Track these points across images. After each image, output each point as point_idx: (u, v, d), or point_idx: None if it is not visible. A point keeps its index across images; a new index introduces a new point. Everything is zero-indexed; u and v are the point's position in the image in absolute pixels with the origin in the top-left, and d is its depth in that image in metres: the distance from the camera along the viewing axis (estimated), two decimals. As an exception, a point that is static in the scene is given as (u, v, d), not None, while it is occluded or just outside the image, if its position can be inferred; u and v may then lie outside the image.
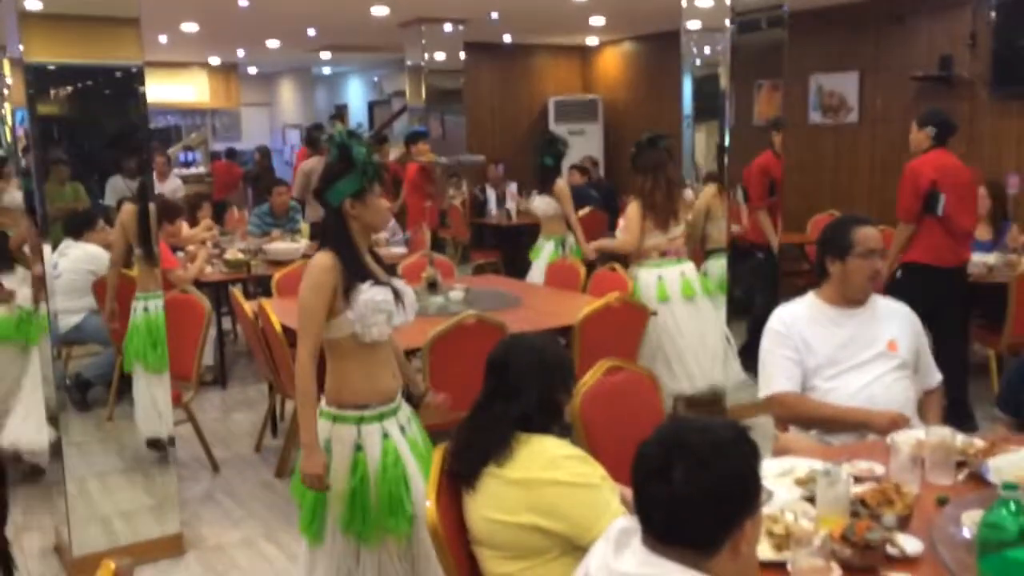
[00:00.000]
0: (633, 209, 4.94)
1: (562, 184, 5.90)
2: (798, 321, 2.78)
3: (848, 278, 2.73)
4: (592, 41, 10.63)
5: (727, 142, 5.06)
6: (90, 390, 4.76)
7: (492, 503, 1.97)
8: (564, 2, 7.33)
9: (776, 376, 2.75)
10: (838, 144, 8.10)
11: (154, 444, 3.90)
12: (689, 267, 4.98)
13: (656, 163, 4.97)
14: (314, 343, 2.48)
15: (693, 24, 5.28)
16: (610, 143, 10.62)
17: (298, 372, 2.49)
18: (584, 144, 10.26)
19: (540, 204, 5.89)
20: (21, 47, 3.35)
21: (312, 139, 8.82)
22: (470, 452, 2.01)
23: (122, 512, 3.70)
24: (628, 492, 1.99)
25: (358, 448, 2.52)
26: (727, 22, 4.95)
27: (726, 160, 5.10)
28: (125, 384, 4.63)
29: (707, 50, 5.26)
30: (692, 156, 5.54)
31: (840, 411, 2.65)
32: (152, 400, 3.91)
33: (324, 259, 2.47)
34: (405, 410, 2.69)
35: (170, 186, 8.29)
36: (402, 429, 2.63)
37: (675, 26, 5.38)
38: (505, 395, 2.04)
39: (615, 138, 10.57)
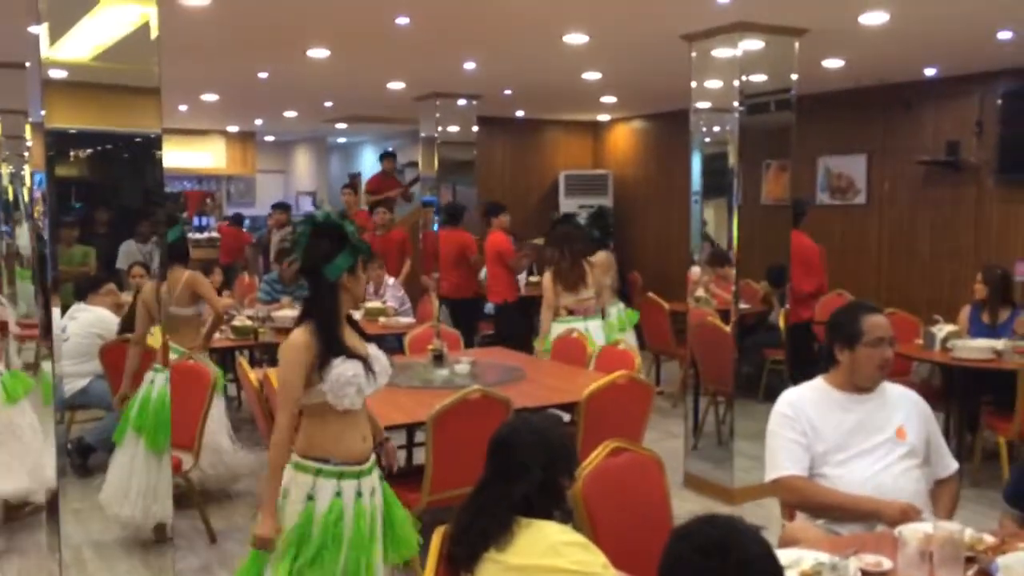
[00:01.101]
0: (546, 277, 5.98)
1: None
2: (806, 405, 2.76)
3: (857, 366, 2.72)
4: (603, 117, 10.82)
5: (735, 220, 5.11)
6: (91, 455, 4.73)
7: (491, 589, 1.93)
8: (577, 81, 7.49)
9: (782, 460, 2.72)
10: (846, 225, 8.14)
11: (160, 531, 3.85)
12: (595, 324, 5.89)
13: (564, 237, 6.07)
14: (292, 413, 2.63)
15: (702, 104, 5.37)
16: (619, 217, 10.71)
17: (275, 440, 2.61)
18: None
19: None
20: (43, 112, 3.42)
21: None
22: (469, 535, 1.98)
23: (116, 583, 3.64)
24: (631, 581, 1.96)
25: (309, 498, 2.61)
26: (736, 103, 5.03)
27: (735, 237, 5.13)
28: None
29: (716, 129, 5.33)
30: (701, 232, 5.57)
31: (850, 499, 2.61)
32: (135, 477, 3.87)
33: (301, 337, 2.62)
34: (372, 479, 2.74)
35: None
36: (359, 495, 2.67)
37: (684, 105, 5.47)
38: (507, 477, 2.01)
39: (625, 213, 10.66)
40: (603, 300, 6.41)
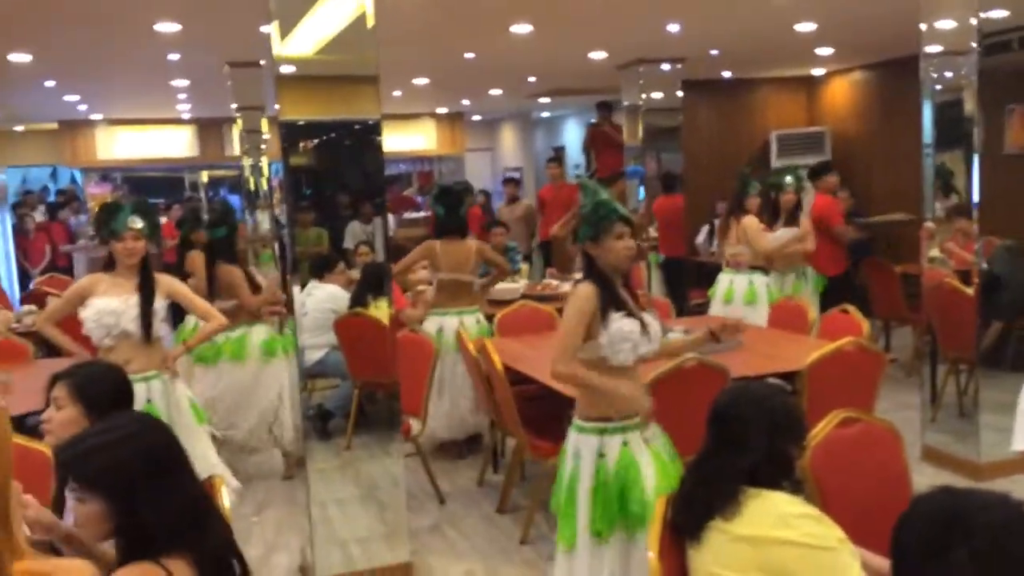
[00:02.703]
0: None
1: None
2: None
3: None
4: (818, 71, 10.20)
5: (976, 172, 4.66)
6: (330, 420, 5.12)
7: (718, 559, 1.90)
8: (789, 34, 7.09)
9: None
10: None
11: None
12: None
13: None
14: (569, 360, 2.76)
15: (933, 48, 4.92)
16: (839, 176, 10.07)
17: (562, 377, 2.80)
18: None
19: (784, 235, 5.90)
20: (277, 106, 3.70)
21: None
22: (695, 505, 1.95)
23: (358, 538, 3.92)
24: (869, 557, 1.85)
25: (600, 455, 2.78)
26: (973, 44, 4.57)
27: (975, 191, 4.69)
28: (362, 415, 4.97)
29: (949, 74, 4.88)
30: (932, 187, 5.14)
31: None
32: None
33: (585, 288, 2.79)
34: (653, 428, 2.91)
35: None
36: (646, 441, 2.85)
37: (911, 51, 5.04)
38: (731, 447, 1.96)
39: (844, 171, 10.02)
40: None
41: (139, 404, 3.17)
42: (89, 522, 1.73)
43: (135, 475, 1.71)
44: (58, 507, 2.30)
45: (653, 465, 2.81)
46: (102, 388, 2.35)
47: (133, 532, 1.70)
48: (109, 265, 3.78)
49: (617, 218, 2.78)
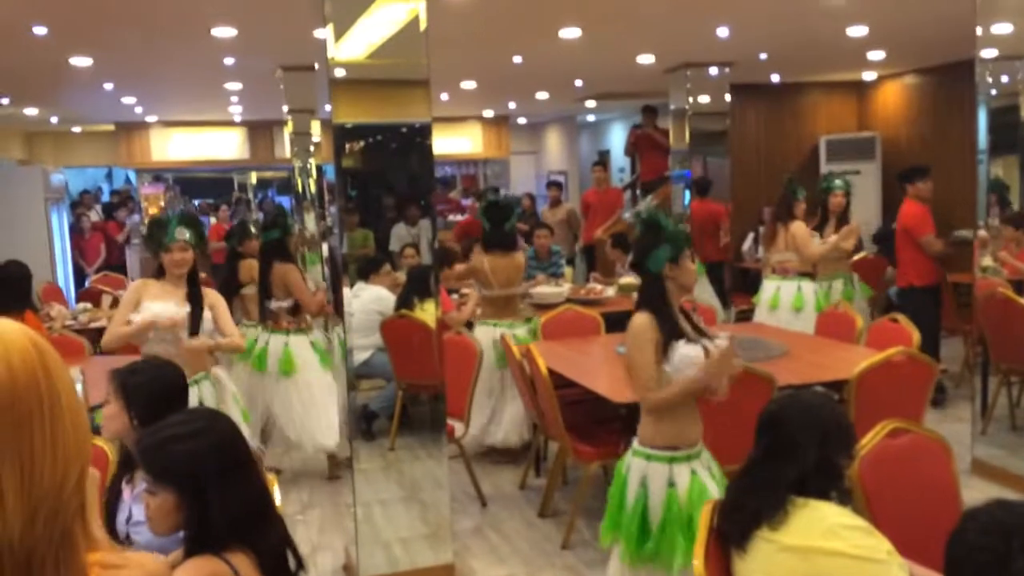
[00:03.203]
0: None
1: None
2: None
3: None
4: (869, 76, 10.04)
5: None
6: (375, 421, 5.18)
7: (764, 568, 1.89)
8: (839, 38, 7.00)
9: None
10: None
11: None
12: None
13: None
14: (655, 386, 2.78)
15: (989, 52, 4.83)
16: (889, 182, 9.92)
17: (660, 403, 2.78)
18: (860, 183, 9.65)
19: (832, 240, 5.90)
20: (329, 108, 3.76)
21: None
22: (741, 513, 1.95)
23: (401, 538, 3.96)
24: (919, 570, 1.83)
25: (671, 484, 2.79)
26: (1031, 49, 4.48)
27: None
28: (406, 416, 5.02)
29: (1006, 79, 4.79)
30: (987, 193, 5.04)
31: None
32: None
33: (643, 319, 2.81)
34: (707, 455, 2.93)
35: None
36: (708, 470, 2.88)
37: (966, 56, 4.96)
38: (780, 455, 1.95)
39: (894, 178, 9.86)
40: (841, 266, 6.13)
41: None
42: (159, 514, 1.78)
43: (206, 468, 1.75)
44: (112, 500, 2.37)
45: (718, 491, 2.80)
46: (141, 383, 2.39)
47: (201, 525, 1.74)
48: (159, 274, 3.89)
49: (691, 240, 2.88)
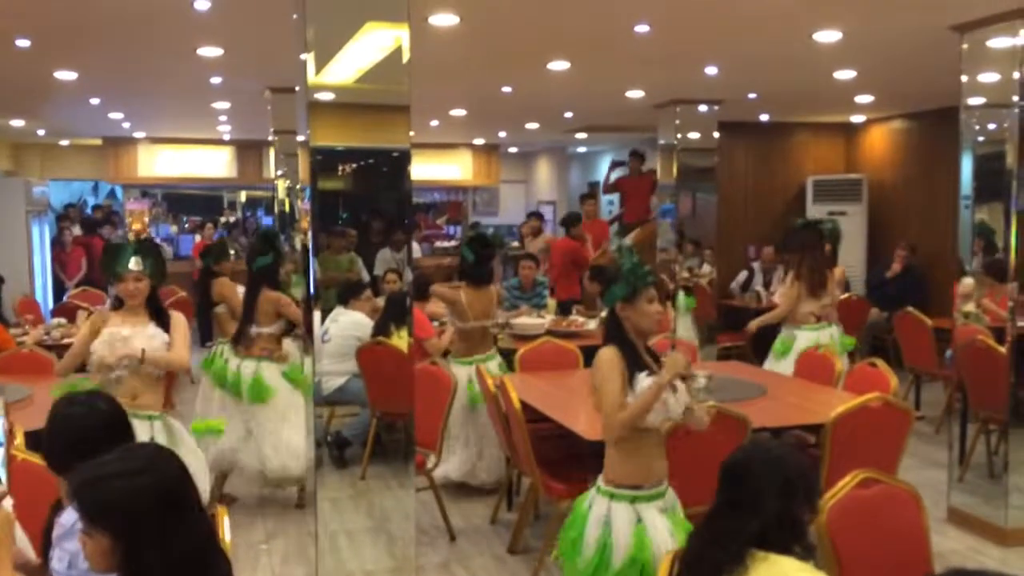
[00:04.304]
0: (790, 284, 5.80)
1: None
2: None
3: None
4: (857, 118, 10.12)
5: (1014, 227, 4.57)
6: (347, 448, 5.09)
7: (724, 621, 1.83)
8: (828, 81, 7.04)
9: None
10: None
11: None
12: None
13: (804, 243, 5.78)
14: (622, 418, 2.73)
15: (975, 100, 4.86)
16: (875, 225, 9.96)
17: (624, 425, 2.72)
18: (846, 224, 9.67)
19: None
20: (308, 131, 3.73)
21: None
22: (701, 565, 1.89)
23: (365, 571, 3.87)
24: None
25: (638, 521, 2.75)
26: (1015, 98, 4.51)
27: (1012, 246, 4.58)
28: (379, 445, 4.94)
29: (991, 127, 4.81)
30: (971, 240, 5.04)
31: None
32: None
33: (609, 352, 2.81)
34: (671, 495, 2.89)
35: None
36: (673, 510, 2.85)
37: (952, 102, 4.98)
38: (740, 507, 1.90)
39: (880, 220, 9.91)
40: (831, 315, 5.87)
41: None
42: (95, 556, 1.68)
43: (144, 510, 1.66)
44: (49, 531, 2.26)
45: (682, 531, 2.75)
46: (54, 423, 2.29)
47: (136, 570, 1.65)
48: (117, 305, 3.78)
49: (651, 282, 2.83)
